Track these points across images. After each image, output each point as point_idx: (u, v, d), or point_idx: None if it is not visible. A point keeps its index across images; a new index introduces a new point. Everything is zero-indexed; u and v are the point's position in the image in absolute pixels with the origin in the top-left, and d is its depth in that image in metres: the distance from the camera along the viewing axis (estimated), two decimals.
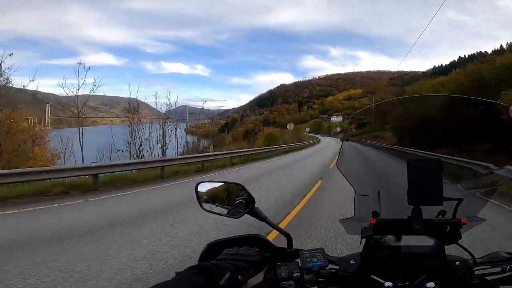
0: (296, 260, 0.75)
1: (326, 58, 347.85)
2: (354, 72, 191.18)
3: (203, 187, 0.92)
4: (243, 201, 0.85)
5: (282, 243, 0.82)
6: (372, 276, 0.70)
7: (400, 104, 6.03)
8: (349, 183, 0.89)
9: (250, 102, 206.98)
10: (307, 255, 0.73)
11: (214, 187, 0.92)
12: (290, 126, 30.86)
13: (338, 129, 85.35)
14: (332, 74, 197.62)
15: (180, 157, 11.38)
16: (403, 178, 0.73)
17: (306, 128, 56.06)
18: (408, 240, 0.73)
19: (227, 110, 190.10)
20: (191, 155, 11.99)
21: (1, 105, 11.99)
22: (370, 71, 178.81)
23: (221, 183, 0.92)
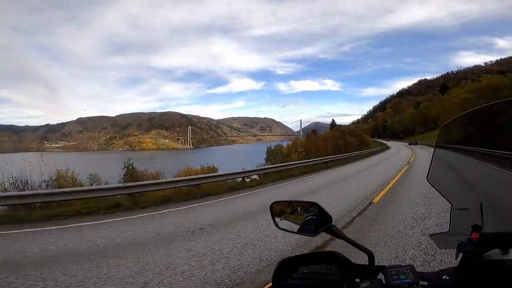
0: (378, 277, 0.71)
1: (493, 52, 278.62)
2: None
3: (278, 206, 0.96)
4: (314, 217, 0.83)
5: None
6: None
7: None
8: (444, 197, 0.81)
9: (374, 108, 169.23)
10: (393, 272, 0.68)
11: (288, 206, 0.96)
12: None
13: None
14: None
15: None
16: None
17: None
18: None
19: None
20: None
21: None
22: None
23: (296, 202, 0.95)
